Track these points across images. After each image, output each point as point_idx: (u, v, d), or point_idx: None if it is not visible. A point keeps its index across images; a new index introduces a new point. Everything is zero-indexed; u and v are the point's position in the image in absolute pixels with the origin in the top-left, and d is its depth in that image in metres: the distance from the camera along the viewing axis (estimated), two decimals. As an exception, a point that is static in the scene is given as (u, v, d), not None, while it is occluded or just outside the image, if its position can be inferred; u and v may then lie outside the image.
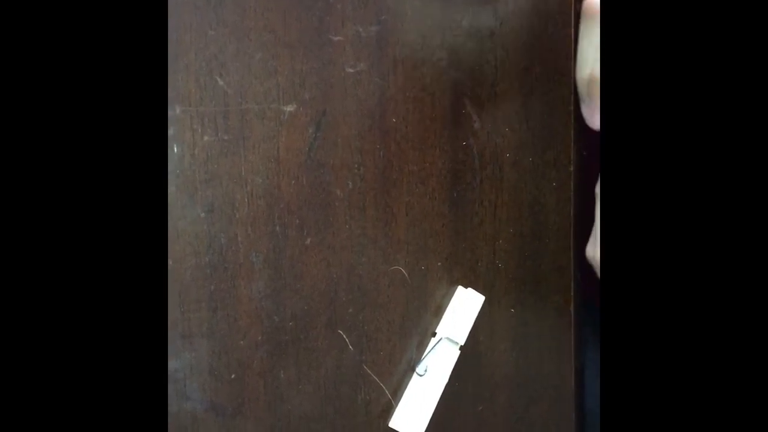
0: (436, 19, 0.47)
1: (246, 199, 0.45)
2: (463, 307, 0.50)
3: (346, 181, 0.47)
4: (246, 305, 0.46)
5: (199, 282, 0.45)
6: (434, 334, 0.50)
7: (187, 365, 0.45)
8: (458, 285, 0.50)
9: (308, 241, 0.46)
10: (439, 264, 0.50)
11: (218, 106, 0.44)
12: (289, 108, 0.45)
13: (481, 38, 0.48)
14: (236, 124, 0.44)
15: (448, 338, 0.50)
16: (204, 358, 0.45)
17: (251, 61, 0.44)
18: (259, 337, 0.46)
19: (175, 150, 0.44)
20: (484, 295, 0.50)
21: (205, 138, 0.44)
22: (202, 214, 0.45)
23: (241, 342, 0.46)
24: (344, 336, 0.48)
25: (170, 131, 0.43)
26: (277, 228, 0.46)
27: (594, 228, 0.50)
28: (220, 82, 0.44)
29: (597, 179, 0.47)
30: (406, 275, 0.49)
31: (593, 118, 0.49)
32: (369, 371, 0.49)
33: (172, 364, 0.45)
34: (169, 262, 0.44)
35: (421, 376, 0.49)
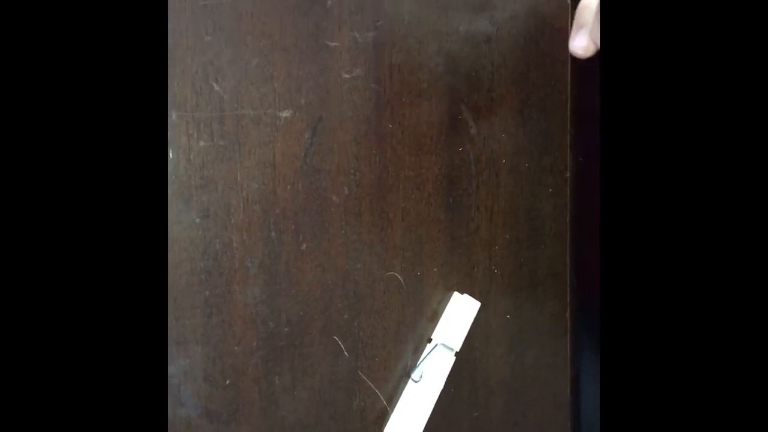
0: (432, 25, 0.47)
1: (241, 205, 0.45)
2: (459, 313, 0.50)
3: (342, 186, 0.47)
4: (241, 311, 0.46)
5: (193, 287, 0.45)
6: (430, 340, 0.50)
7: (182, 371, 0.45)
8: (454, 291, 0.50)
9: (304, 246, 0.46)
10: (435, 270, 0.50)
11: (214, 111, 0.44)
12: (285, 113, 0.45)
13: (478, 44, 0.48)
14: (232, 130, 0.44)
15: (443, 344, 0.49)
16: (199, 363, 0.45)
17: (247, 66, 0.44)
18: (254, 343, 0.46)
19: (171, 155, 0.43)
20: (479, 301, 0.50)
21: (201, 143, 0.44)
22: (198, 220, 0.44)
23: (236, 348, 0.46)
24: (339, 342, 0.48)
25: (166, 136, 0.43)
26: (273, 233, 0.46)
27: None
28: (216, 88, 0.44)
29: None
30: (402, 281, 0.49)
31: (573, 40, 0.44)
32: (364, 377, 0.49)
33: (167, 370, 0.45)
34: (164, 267, 0.44)
35: (416, 382, 0.49)
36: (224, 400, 0.46)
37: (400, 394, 0.49)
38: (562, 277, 0.52)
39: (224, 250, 0.45)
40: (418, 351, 0.50)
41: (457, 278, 0.50)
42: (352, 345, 0.48)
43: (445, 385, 0.50)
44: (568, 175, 0.52)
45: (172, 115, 0.43)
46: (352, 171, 0.47)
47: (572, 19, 0.49)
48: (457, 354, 0.50)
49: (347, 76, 0.46)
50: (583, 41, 0.43)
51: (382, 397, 0.49)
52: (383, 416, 0.49)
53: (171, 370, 0.45)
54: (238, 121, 0.44)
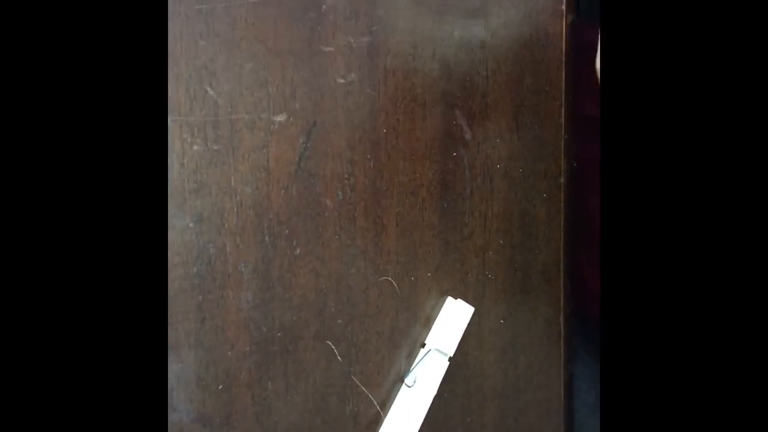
0: (427, 31, 0.47)
1: (235, 209, 0.45)
2: (453, 318, 0.50)
3: (336, 191, 0.47)
4: (234, 316, 0.46)
5: (187, 292, 0.45)
6: (423, 345, 0.50)
7: (175, 376, 0.45)
8: (448, 296, 0.50)
9: (297, 251, 0.46)
10: (429, 275, 0.50)
11: (208, 115, 0.44)
12: (280, 118, 0.45)
13: (472, 49, 0.48)
14: (226, 134, 0.44)
15: (437, 349, 0.49)
16: (191, 368, 0.45)
17: (241, 71, 0.44)
18: (247, 348, 0.46)
19: (165, 159, 0.43)
20: (473, 306, 0.50)
21: (195, 147, 0.44)
22: (191, 224, 0.44)
23: (229, 353, 0.46)
24: (333, 347, 0.48)
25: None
26: (267, 238, 0.46)
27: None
28: (210, 92, 0.44)
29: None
30: (396, 286, 0.49)
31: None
32: (357, 382, 0.49)
33: (160, 375, 0.45)
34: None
35: (409, 387, 0.49)
36: (217, 405, 0.46)
37: (394, 399, 0.49)
38: (556, 283, 0.52)
39: (218, 254, 0.45)
40: (411, 356, 0.50)
41: (451, 283, 0.50)
42: (345, 350, 0.48)
43: (438, 390, 0.50)
44: (562, 180, 0.52)
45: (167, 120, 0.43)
46: (346, 176, 0.47)
47: (567, 28, 0.49)
48: (450, 359, 0.50)
49: (342, 81, 0.46)
50: None
51: (375, 402, 0.49)
52: (376, 421, 0.49)
53: (164, 374, 0.45)
54: (232, 126, 0.44)
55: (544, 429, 0.53)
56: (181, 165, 0.44)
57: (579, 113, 0.52)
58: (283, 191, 0.46)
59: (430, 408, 0.49)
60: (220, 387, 0.46)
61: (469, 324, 0.50)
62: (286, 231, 0.46)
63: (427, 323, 0.50)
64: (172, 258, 0.44)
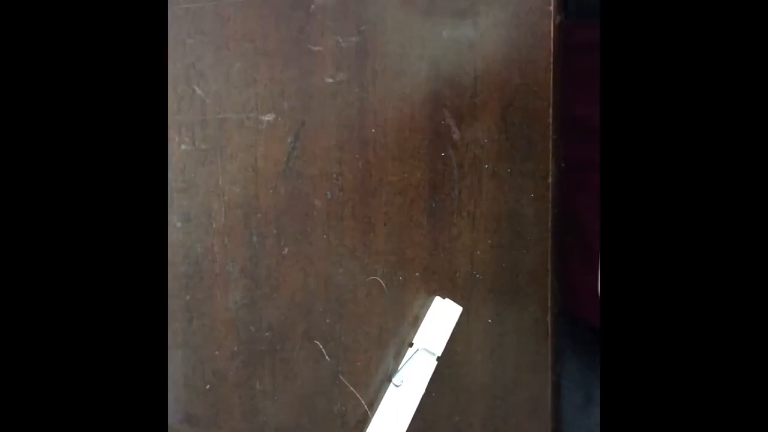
0: (416, 31, 0.47)
1: (223, 209, 0.45)
2: (441, 318, 0.50)
3: (324, 191, 0.47)
4: (222, 315, 0.45)
5: (174, 292, 0.44)
6: (411, 345, 0.50)
7: (162, 376, 0.45)
8: (436, 296, 0.50)
9: (285, 251, 0.46)
10: (417, 274, 0.50)
11: (196, 115, 0.44)
12: (268, 117, 0.45)
13: (461, 50, 0.48)
14: (214, 134, 0.44)
15: (425, 349, 0.50)
16: (179, 368, 0.45)
17: (229, 70, 0.44)
18: (235, 348, 0.46)
19: (152, 159, 0.43)
20: (461, 305, 0.50)
21: (183, 147, 0.44)
22: (179, 224, 0.44)
23: (217, 352, 0.46)
24: (321, 346, 0.48)
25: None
26: (254, 238, 0.46)
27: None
28: (198, 91, 0.43)
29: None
30: (384, 286, 0.49)
31: None
32: (345, 382, 0.49)
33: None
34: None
35: (397, 386, 0.49)
36: (204, 405, 0.46)
37: (381, 398, 0.49)
38: (544, 282, 0.53)
39: (205, 254, 0.45)
40: (399, 355, 0.50)
41: (439, 283, 0.50)
42: (333, 349, 0.48)
43: (426, 390, 0.50)
44: (550, 180, 0.52)
45: (154, 119, 0.43)
46: (334, 175, 0.47)
47: (555, 29, 0.49)
48: (438, 358, 0.50)
49: (330, 80, 0.46)
50: None
51: (363, 402, 0.49)
52: (364, 421, 0.49)
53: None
54: (220, 125, 0.44)
55: (531, 428, 0.53)
56: (169, 164, 0.44)
57: (567, 113, 0.52)
58: (271, 191, 0.45)
59: (418, 407, 0.50)
60: (207, 387, 0.46)
61: (457, 323, 0.50)
62: (274, 230, 0.46)
63: (415, 323, 0.50)
64: (160, 257, 0.44)
